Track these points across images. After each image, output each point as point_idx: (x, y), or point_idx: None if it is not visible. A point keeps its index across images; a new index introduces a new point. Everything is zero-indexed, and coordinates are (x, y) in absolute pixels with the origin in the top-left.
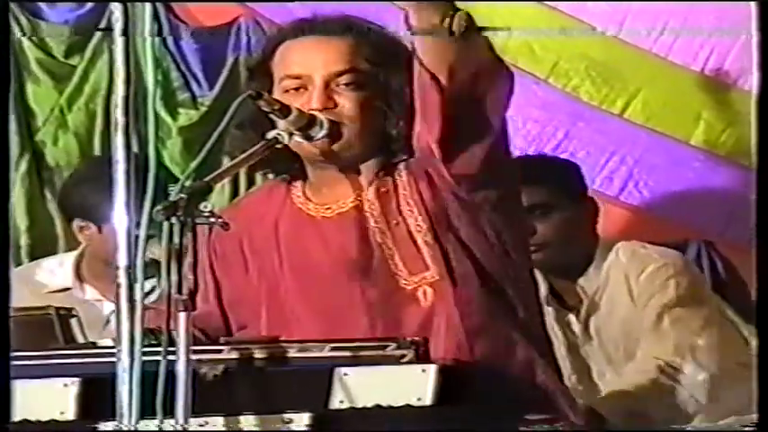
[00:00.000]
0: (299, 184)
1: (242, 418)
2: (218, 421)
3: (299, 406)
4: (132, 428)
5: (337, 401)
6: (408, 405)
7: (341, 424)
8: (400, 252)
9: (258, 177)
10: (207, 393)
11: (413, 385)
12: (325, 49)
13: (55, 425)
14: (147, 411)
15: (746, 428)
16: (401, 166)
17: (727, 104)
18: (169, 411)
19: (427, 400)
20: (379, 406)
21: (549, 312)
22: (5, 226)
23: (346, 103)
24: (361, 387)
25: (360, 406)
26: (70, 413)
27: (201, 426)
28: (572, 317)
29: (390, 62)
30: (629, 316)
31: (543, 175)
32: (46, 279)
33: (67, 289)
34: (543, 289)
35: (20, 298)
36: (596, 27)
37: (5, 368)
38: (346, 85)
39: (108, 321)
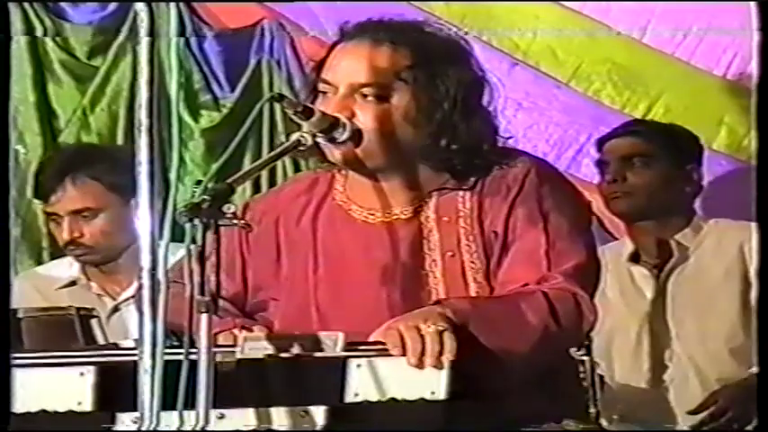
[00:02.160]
0: (342, 180)
1: (259, 410)
2: (234, 413)
3: (314, 399)
4: (152, 429)
5: (352, 395)
6: (423, 399)
7: (356, 417)
8: (446, 285)
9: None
10: (222, 385)
11: (427, 379)
12: (357, 58)
13: (72, 416)
14: (166, 404)
15: (746, 428)
16: (462, 193)
17: (750, 109)
18: (190, 406)
19: (441, 394)
20: (393, 399)
21: (633, 270)
22: (5, 226)
23: (362, 114)
24: (376, 381)
25: (374, 400)
26: (87, 404)
27: (219, 417)
28: (649, 274)
29: (438, 72)
30: (712, 289)
31: (658, 133)
32: (55, 274)
33: (74, 283)
34: (629, 247)
35: (31, 299)
36: (620, 30)
37: (6, 366)
38: (365, 96)
39: (109, 316)
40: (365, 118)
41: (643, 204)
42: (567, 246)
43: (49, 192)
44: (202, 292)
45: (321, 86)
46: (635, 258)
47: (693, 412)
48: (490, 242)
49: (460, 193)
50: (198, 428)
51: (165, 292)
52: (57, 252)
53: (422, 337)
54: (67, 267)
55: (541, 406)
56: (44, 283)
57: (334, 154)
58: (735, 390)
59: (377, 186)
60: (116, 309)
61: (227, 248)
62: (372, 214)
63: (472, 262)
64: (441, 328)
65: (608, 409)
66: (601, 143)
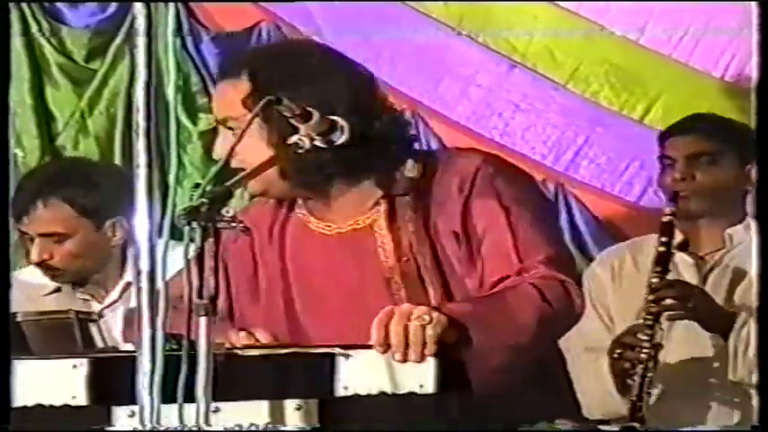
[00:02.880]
0: (301, 201)
1: (250, 403)
2: (226, 406)
3: (304, 393)
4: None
5: (342, 388)
6: (412, 393)
7: (345, 411)
8: (407, 290)
9: None
10: (216, 379)
11: (416, 373)
12: (215, 98)
13: (68, 410)
14: (163, 396)
15: (746, 428)
16: (407, 198)
17: (748, 111)
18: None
19: (430, 387)
20: (383, 393)
21: (677, 257)
22: (5, 227)
23: (225, 147)
24: (365, 374)
25: (364, 393)
26: (82, 398)
27: (214, 411)
28: (693, 263)
29: (282, 92)
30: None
31: (724, 131)
32: (40, 281)
33: (59, 289)
34: (678, 236)
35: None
36: (617, 32)
37: (6, 365)
38: (231, 129)
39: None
40: (240, 149)
41: (709, 203)
42: (535, 236)
43: (21, 212)
44: (201, 296)
45: None
46: (683, 247)
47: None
48: (450, 243)
49: (407, 198)
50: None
51: (164, 295)
52: None
53: (406, 331)
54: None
55: (534, 403)
56: (29, 289)
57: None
58: None
59: (325, 201)
60: (100, 314)
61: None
62: (328, 226)
63: (425, 266)
64: (424, 322)
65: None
66: (663, 137)
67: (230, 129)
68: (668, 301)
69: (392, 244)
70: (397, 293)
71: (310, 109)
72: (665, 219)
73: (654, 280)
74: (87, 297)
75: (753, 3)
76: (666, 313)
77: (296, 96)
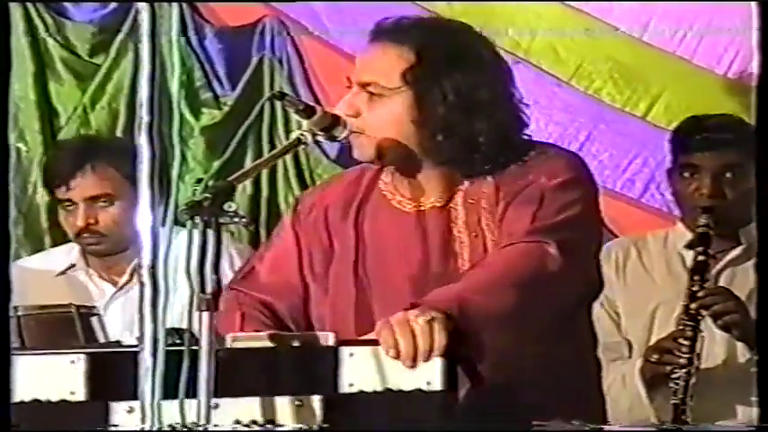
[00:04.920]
0: (388, 171)
1: (251, 399)
2: (228, 403)
3: (308, 389)
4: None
5: (347, 385)
6: (419, 390)
7: (353, 409)
8: (472, 264)
9: None
10: (216, 375)
11: (423, 370)
12: (366, 58)
13: (66, 406)
14: (165, 392)
15: (746, 429)
16: (489, 178)
17: (751, 108)
18: (192, 395)
19: (437, 384)
20: (389, 390)
21: (686, 255)
22: (5, 226)
23: (367, 111)
24: (370, 370)
25: (370, 390)
26: (80, 393)
27: (214, 407)
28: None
29: (440, 72)
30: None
31: (747, 141)
32: (46, 267)
33: (73, 265)
34: (686, 235)
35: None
36: (621, 29)
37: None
38: (372, 94)
39: (108, 304)
40: (368, 116)
41: (734, 215)
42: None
43: (66, 177)
44: (203, 290)
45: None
46: (692, 246)
47: None
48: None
49: (488, 177)
50: (198, 429)
51: (164, 290)
52: None
53: (413, 333)
54: (61, 256)
55: (549, 402)
56: (36, 276)
57: (354, 150)
58: None
59: (414, 176)
60: (112, 297)
61: (281, 255)
62: (410, 203)
63: (493, 240)
64: (429, 318)
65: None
66: (681, 143)
67: (370, 93)
68: (713, 308)
69: (465, 219)
70: (463, 268)
71: (313, 104)
72: (701, 230)
73: (694, 288)
74: (100, 279)
75: (753, 3)
76: (718, 322)
77: (454, 81)
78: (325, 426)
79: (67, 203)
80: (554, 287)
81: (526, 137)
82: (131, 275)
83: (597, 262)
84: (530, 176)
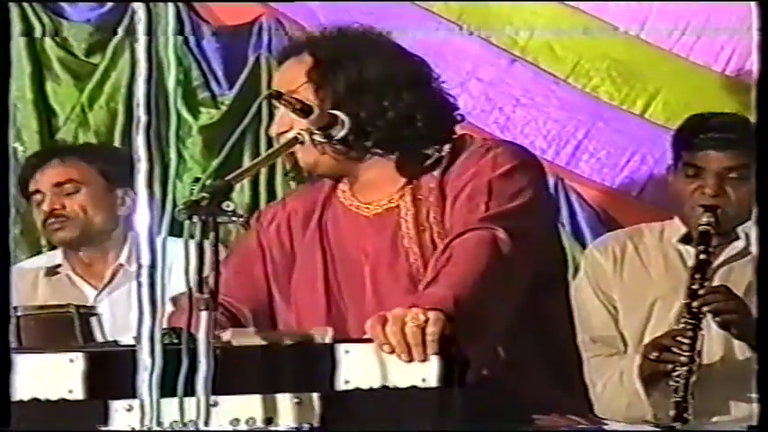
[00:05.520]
0: (346, 180)
1: (252, 398)
2: (226, 401)
3: (305, 386)
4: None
5: (343, 382)
6: (415, 387)
7: (349, 406)
8: (423, 258)
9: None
10: (214, 373)
11: (418, 366)
12: (276, 78)
13: (64, 404)
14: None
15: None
16: (435, 174)
17: (749, 106)
18: (190, 392)
19: (432, 381)
20: (385, 387)
21: (683, 250)
22: (5, 225)
23: (294, 123)
24: (366, 367)
25: (366, 387)
26: (79, 392)
27: (212, 405)
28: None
29: (340, 67)
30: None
31: (750, 140)
32: (38, 263)
33: (59, 265)
34: (681, 229)
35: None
36: (618, 27)
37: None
38: (291, 107)
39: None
40: (298, 125)
41: (736, 214)
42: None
43: (33, 171)
44: (201, 290)
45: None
46: (687, 240)
47: None
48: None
49: (435, 173)
50: (198, 428)
51: (162, 289)
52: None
53: (403, 332)
54: (50, 258)
55: (541, 398)
56: (26, 275)
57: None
58: None
59: (363, 180)
60: (95, 300)
61: (245, 259)
62: (368, 207)
63: (439, 232)
64: (423, 320)
65: None
66: (684, 141)
67: (285, 103)
68: (714, 306)
69: (414, 215)
70: (415, 263)
71: (310, 103)
72: (702, 228)
73: (695, 286)
74: (83, 281)
75: (752, 3)
76: (716, 320)
77: (356, 70)
78: (316, 426)
79: (36, 195)
80: (511, 270)
81: (459, 118)
82: (113, 276)
83: (558, 246)
84: (472, 170)
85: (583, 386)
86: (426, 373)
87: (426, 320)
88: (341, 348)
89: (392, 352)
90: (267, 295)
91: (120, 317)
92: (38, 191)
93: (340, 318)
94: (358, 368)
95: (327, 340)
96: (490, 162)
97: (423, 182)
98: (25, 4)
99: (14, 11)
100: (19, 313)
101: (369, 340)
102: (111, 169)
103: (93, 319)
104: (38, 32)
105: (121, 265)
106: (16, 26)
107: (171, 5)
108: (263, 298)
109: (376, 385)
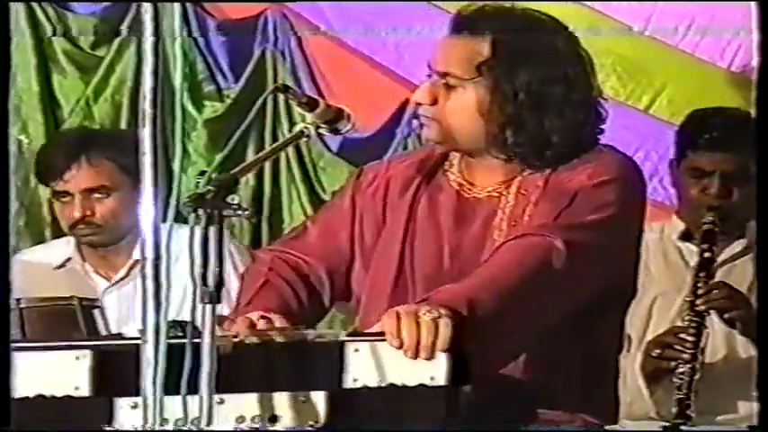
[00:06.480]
0: (458, 156)
1: (259, 395)
2: (233, 398)
3: (313, 384)
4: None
5: (351, 380)
6: (423, 385)
7: (356, 404)
8: None
9: None
10: (221, 370)
11: (426, 365)
12: (444, 48)
13: (70, 401)
14: (167, 387)
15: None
16: (546, 172)
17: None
18: (193, 390)
19: (441, 379)
20: (393, 385)
21: (683, 247)
22: (5, 223)
23: (442, 100)
24: (375, 366)
25: (374, 385)
26: (85, 389)
27: (219, 402)
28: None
29: (514, 67)
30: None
31: (746, 135)
32: (45, 260)
33: (69, 259)
34: (679, 226)
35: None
36: (624, 23)
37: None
38: (446, 86)
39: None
40: (444, 104)
41: (740, 213)
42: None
43: (62, 169)
44: (206, 283)
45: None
46: (686, 237)
47: None
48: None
49: (546, 171)
50: (201, 426)
51: (166, 283)
52: None
53: (418, 326)
54: (59, 249)
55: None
56: (34, 269)
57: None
58: None
59: (479, 164)
60: (104, 292)
61: (334, 220)
62: (471, 189)
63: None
64: (436, 316)
65: None
66: (688, 140)
67: (447, 83)
68: (718, 303)
69: (512, 208)
70: None
71: (316, 97)
72: (706, 227)
73: (699, 285)
74: (95, 273)
75: (752, 3)
76: (724, 316)
77: (526, 76)
78: (319, 426)
79: (63, 195)
80: (558, 282)
81: (598, 132)
82: (128, 272)
83: (630, 268)
84: (575, 173)
85: (615, 401)
86: (435, 371)
87: (439, 317)
88: (350, 347)
89: (401, 347)
90: (348, 260)
91: (127, 310)
92: (66, 192)
93: (404, 290)
94: (366, 366)
95: (341, 338)
96: (590, 170)
97: (531, 178)
98: None
99: (20, 4)
100: (22, 305)
101: (377, 336)
102: (132, 163)
103: (97, 312)
104: (44, 25)
105: (137, 261)
106: (22, 19)
107: (177, 4)
108: (343, 262)
109: (384, 383)
